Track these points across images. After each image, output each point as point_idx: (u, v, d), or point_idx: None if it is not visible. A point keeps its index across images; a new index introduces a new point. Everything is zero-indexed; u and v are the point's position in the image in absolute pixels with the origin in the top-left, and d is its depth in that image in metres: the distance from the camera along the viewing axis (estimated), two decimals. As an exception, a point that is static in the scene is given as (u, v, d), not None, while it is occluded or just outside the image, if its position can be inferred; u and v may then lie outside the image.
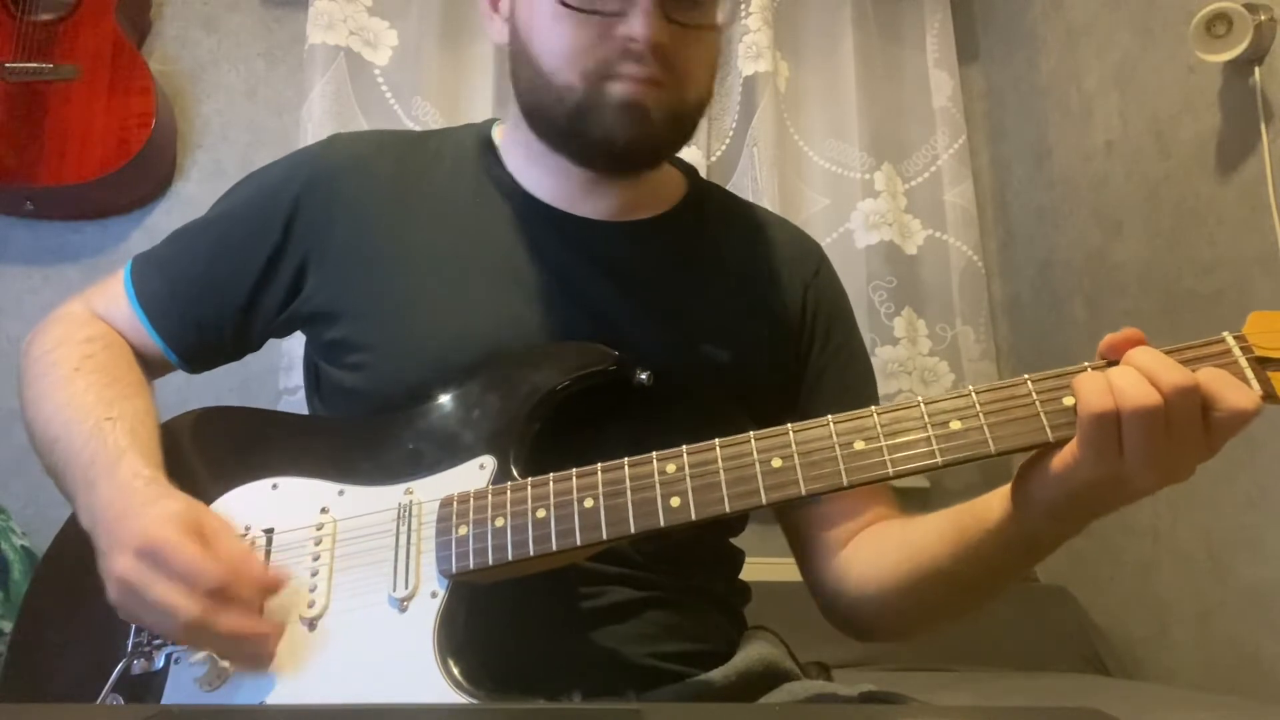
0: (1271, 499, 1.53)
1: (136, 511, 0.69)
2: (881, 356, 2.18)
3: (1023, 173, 2.28)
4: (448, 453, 0.76)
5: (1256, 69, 1.55)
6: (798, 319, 0.92)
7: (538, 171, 0.89)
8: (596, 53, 0.79)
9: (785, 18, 2.36)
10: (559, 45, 0.81)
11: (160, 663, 0.72)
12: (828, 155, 2.32)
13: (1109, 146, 1.95)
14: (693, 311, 0.87)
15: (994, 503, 0.71)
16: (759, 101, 2.21)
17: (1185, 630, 1.72)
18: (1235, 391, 0.60)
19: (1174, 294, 1.74)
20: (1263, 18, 1.51)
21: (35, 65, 1.98)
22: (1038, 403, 0.64)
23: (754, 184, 2.16)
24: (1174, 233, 1.75)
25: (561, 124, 0.82)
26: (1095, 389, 0.60)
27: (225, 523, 0.72)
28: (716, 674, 0.79)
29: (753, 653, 0.82)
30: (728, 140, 2.27)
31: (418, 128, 2.04)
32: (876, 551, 0.84)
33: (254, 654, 0.69)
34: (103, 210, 2.12)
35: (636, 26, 0.77)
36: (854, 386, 0.93)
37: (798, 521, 0.90)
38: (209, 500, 0.77)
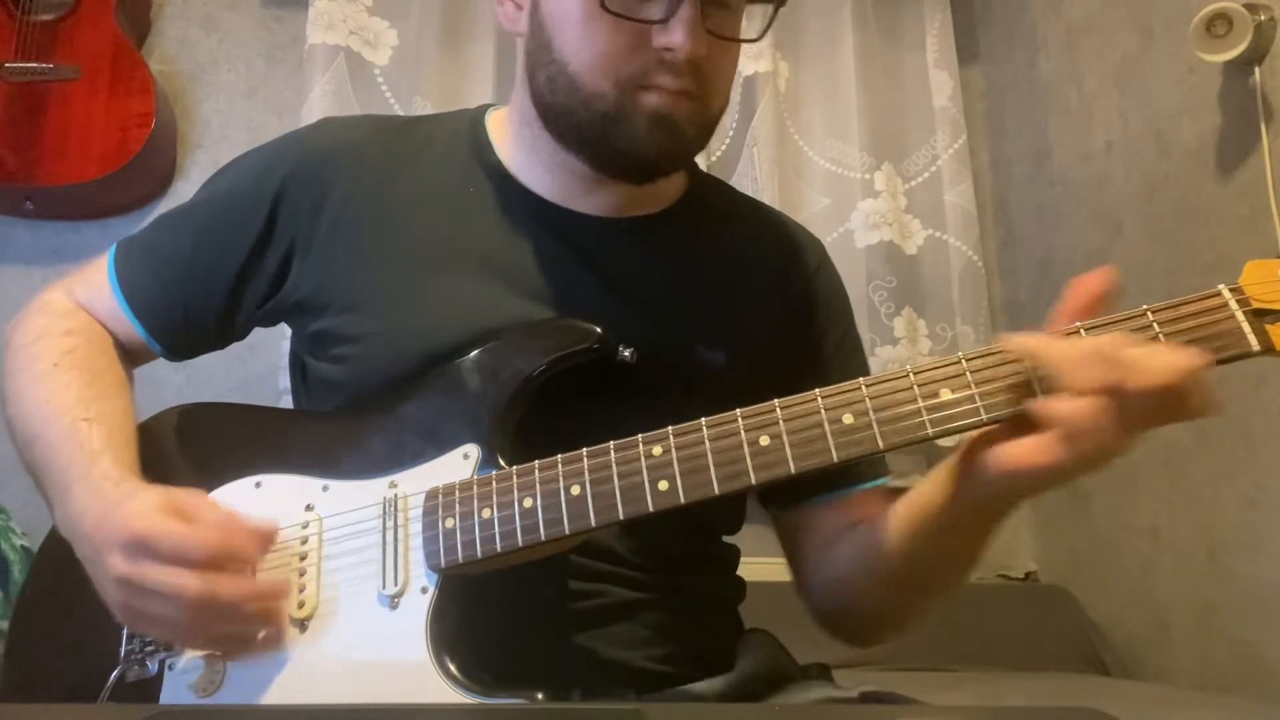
0: (1271, 499, 1.53)
1: (112, 512, 0.68)
2: (881, 356, 2.18)
3: (1023, 173, 2.28)
4: (431, 443, 0.75)
5: (1256, 69, 1.54)
6: (796, 317, 0.91)
7: (538, 167, 0.87)
8: (632, 61, 0.76)
9: (785, 18, 2.35)
10: (592, 49, 0.77)
11: (154, 669, 0.72)
12: (828, 155, 2.31)
13: (1109, 146, 1.94)
14: (686, 310, 0.86)
15: (937, 488, 0.70)
16: (759, 101, 2.21)
17: (1185, 630, 1.71)
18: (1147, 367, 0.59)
19: (1174, 294, 1.72)
20: (1263, 18, 1.51)
21: (35, 65, 1.98)
22: (1029, 368, 0.63)
23: (754, 184, 2.16)
24: (1174, 233, 1.75)
25: (586, 130, 0.79)
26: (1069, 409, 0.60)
27: (202, 495, 0.71)
28: (718, 681, 0.79)
29: (752, 658, 0.81)
30: (728, 140, 2.26)
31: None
32: (846, 555, 0.84)
33: (266, 618, 0.68)
34: (103, 210, 2.12)
35: (678, 37, 0.74)
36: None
37: (789, 525, 0.90)
38: None
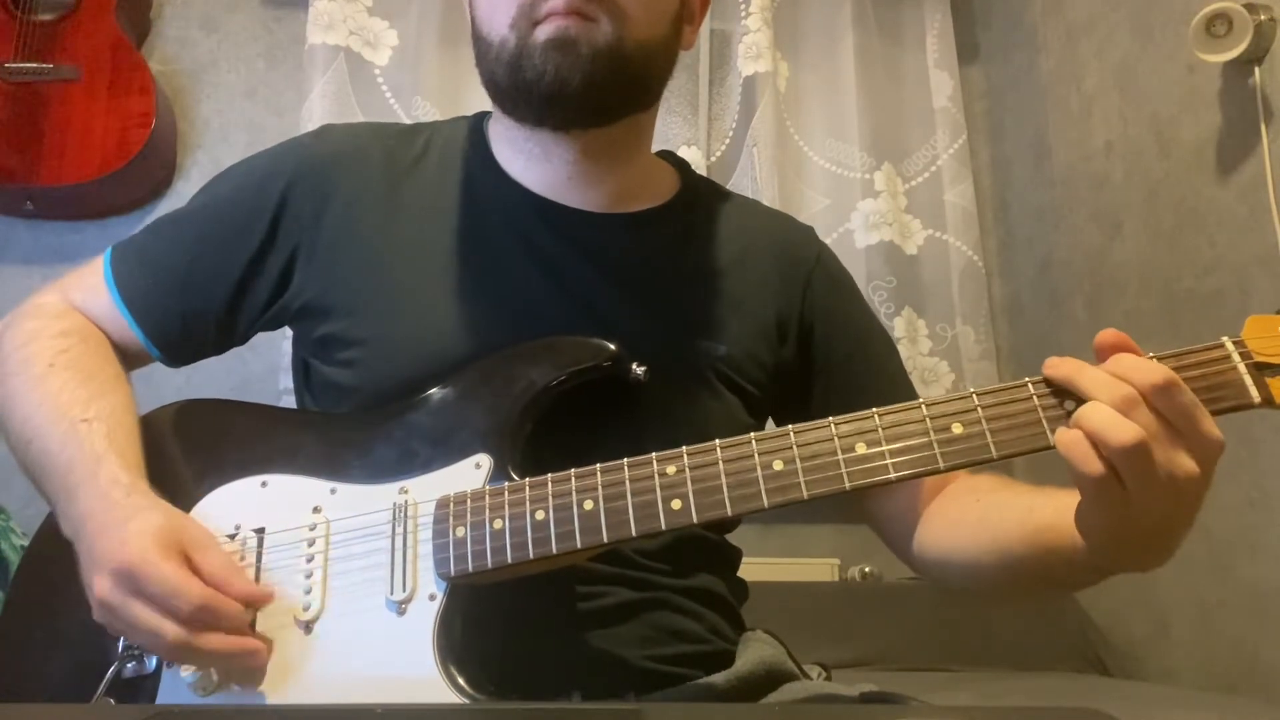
0: (1271, 499, 1.53)
1: (114, 528, 0.67)
2: (882, 356, 2.19)
3: (1023, 173, 2.28)
4: (442, 450, 0.75)
5: (1256, 69, 1.55)
6: (799, 309, 0.91)
7: (523, 160, 0.88)
8: None
9: (785, 18, 2.36)
10: (488, 3, 0.83)
11: (152, 665, 0.72)
12: (828, 155, 2.32)
13: (1109, 146, 1.94)
14: (686, 303, 0.87)
15: (1066, 527, 0.67)
16: (759, 101, 2.21)
17: (1185, 630, 1.72)
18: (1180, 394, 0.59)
19: (1174, 294, 1.74)
20: (1263, 18, 1.51)
21: (35, 65, 1.98)
22: (1039, 408, 0.63)
23: (754, 184, 2.16)
24: (1174, 233, 1.75)
25: (503, 81, 0.82)
26: (1082, 450, 0.59)
27: (208, 533, 0.71)
28: (718, 678, 0.79)
29: (753, 656, 0.82)
30: (728, 140, 2.27)
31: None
32: (953, 528, 0.82)
33: (243, 670, 0.68)
34: (103, 210, 2.12)
35: None
36: (883, 364, 0.94)
37: (870, 498, 0.89)
38: (195, 497, 0.76)
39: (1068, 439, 0.60)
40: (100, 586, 0.66)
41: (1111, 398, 0.59)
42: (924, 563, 0.85)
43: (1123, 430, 0.57)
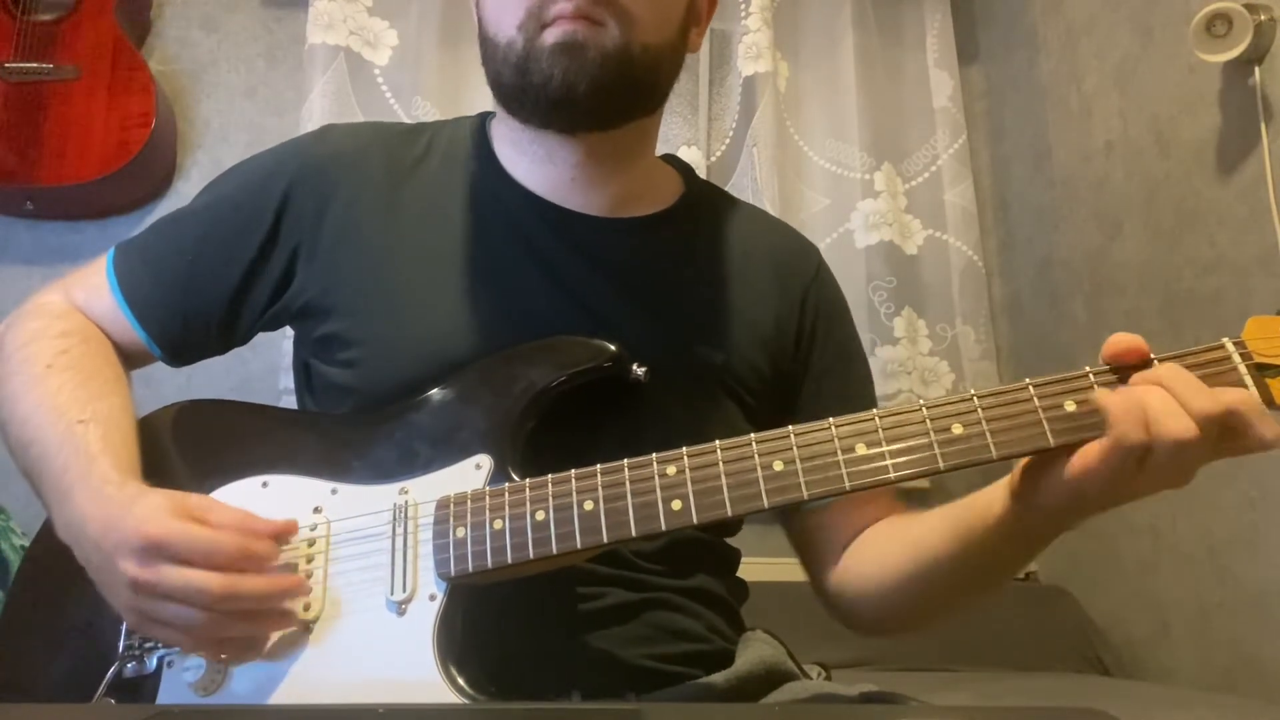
0: (1271, 499, 1.53)
1: (120, 517, 0.67)
2: (881, 356, 2.18)
3: (1023, 173, 2.28)
4: (442, 451, 0.75)
5: (1256, 69, 1.55)
6: (795, 321, 0.91)
7: (526, 162, 0.89)
8: (526, 1, 0.80)
9: (785, 18, 2.36)
10: (495, 4, 0.83)
11: (153, 665, 0.72)
12: (828, 155, 2.32)
13: (1109, 146, 1.94)
14: (687, 309, 0.87)
15: (995, 500, 0.71)
16: (759, 101, 2.21)
17: (1185, 630, 1.72)
18: (1265, 424, 0.60)
19: (1174, 294, 1.74)
20: (1263, 18, 1.51)
21: (35, 65, 1.98)
22: (1039, 409, 0.64)
23: (754, 184, 2.16)
24: (1174, 233, 1.75)
25: (510, 82, 0.82)
26: (1133, 420, 0.59)
27: (209, 498, 0.71)
28: (717, 677, 0.79)
29: (752, 655, 0.82)
30: (728, 140, 2.27)
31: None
32: (878, 551, 0.84)
33: (281, 619, 0.68)
34: (103, 210, 2.12)
35: None
36: (854, 390, 0.93)
37: (800, 522, 0.91)
38: None
39: (1122, 406, 0.60)
40: (127, 569, 0.65)
41: (1201, 413, 0.59)
42: (843, 591, 0.87)
43: (1183, 425, 0.59)
